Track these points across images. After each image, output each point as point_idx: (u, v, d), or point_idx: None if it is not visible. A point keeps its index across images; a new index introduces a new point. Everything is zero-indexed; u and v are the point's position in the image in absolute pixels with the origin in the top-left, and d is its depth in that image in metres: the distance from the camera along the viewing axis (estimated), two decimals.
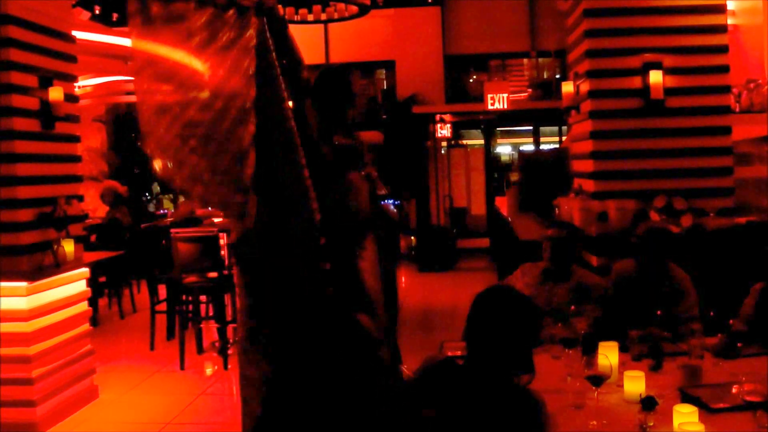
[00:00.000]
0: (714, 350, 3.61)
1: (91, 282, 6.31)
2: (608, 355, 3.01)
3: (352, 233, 3.55)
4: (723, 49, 6.22)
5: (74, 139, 5.94)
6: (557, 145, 14.46)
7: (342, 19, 9.35)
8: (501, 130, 16.05)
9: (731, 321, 3.93)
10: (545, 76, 14.78)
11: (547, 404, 2.48)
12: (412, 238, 13.29)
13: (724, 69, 6.23)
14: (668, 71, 6.11)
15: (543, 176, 9.97)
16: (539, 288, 4.47)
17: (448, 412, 2.43)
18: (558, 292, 4.45)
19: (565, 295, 4.43)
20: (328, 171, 3.52)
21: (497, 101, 12.80)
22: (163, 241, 7.75)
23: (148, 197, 15.44)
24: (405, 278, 11.70)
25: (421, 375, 2.57)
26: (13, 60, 5.17)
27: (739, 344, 3.59)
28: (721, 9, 6.27)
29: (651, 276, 4.39)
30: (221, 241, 7.51)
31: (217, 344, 7.35)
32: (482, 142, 15.13)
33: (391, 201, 12.90)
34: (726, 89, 6.32)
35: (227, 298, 7.42)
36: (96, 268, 7.60)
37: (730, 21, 6.58)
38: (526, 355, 2.51)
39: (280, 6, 8.52)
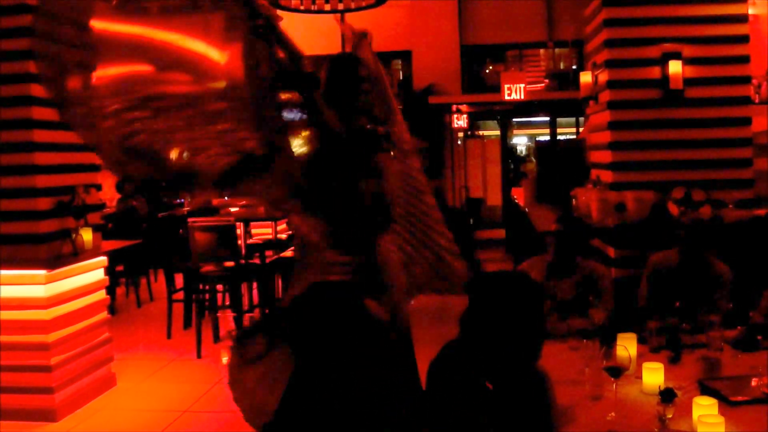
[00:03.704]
0: (733, 343, 3.59)
1: (109, 271, 6.34)
2: (627, 346, 2.99)
3: (381, 215, 3.54)
4: (743, 39, 6.16)
5: None
6: (574, 136, 14.39)
7: (358, 8, 9.32)
8: (518, 121, 16.00)
9: (751, 313, 3.90)
10: (562, 67, 14.70)
11: (556, 385, 2.47)
12: None
13: (744, 59, 6.17)
14: (687, 61, 6.06)
15: (560, 167, 9.94)
16: (545, 283, 4.46)
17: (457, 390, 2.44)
18: (563, 287, 4.45)
19: (571, 290, 4.42)
20: (351, 156, 3.50)
21: (514, 92, 12.74)
22: (180, 231, 7.78)
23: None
24: None
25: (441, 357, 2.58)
26: (31, 49, 5.19)
27: (758, 337, 3.57)
28: None
29: (692, 269, 4.36)
30: (238, 231, 7.53)
31: (233, 333, 7.36)
32: (499, 132, 15.09)
33: None
34: (746, 80, 6.26)
35: (244, 287, 7.44)
36: (114, 257, 7.64)
37: (750, 11, 6.50)
38: (530, 340, 2.48)
39: None
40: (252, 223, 9.07)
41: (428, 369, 2.60)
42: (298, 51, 3.55)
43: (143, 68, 3.07)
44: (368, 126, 3.74)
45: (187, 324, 7.71)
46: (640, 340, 3.47)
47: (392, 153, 3.76)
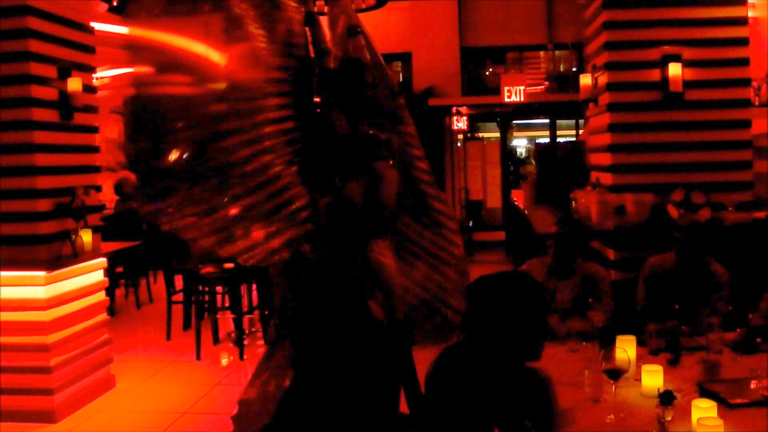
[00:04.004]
0: (733, 345, 3.59)
1: (109, 272, 6.34)
2: (626, 348, 2.99)
3: (378, 223, 3.53)
4: (743, 42, 6.16)
5: (92, 129, 5.97)
6: (574, 139, 14.39)
7: (359, 11, 9.33)
8: (517, 123, 15.98)
9: (750, 316, 3.90)
10: (562, 69, 14.69)
11: (556, 387, 2.46)
12: None
13: (744, 62, 6.17)
14: (687, 64, 6.07)
15: (559, 169, 9.94)
16: (545, 285, 4.45)
17: (459, 394, 2.43)
18: (563, 288, 4.44)
19: (570, 292, 4.42)
20: (352, 161, 3.51)
21: (514, 94, 12.75)
22: None
23: None
24: None
25: (438, 362, 2.57)
26: (32, 51, 5.20)
27: (758, 339, 3.57)
28: (741, 1, 6.21)
29: (689, 270, 4.37)
30: None
31: (232, 335, 7.38)
32: (498, 134, 15.07)
33: None
34: (746, 82, 6.26)
35: (243, 289, 7.44)
36: (113, 259, 7.63)
37: (750, 13, 6.51)
38: (531, 340, 2.48)
39: None
40: None
41: (427, 372, 2.60)
42: (327, 46, 3.57)
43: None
44: (370, 131, 3.74)
45: (186, 325, 7.71)
46: (640, 343, 3.47)
47: (391, 162, 3.76)
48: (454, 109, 13.80)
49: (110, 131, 13.22)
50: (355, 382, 1.86)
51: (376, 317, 1.86)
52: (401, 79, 14.74)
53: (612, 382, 2.91)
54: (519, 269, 4.82)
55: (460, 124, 13.87)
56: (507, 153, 14.96)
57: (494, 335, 2.42)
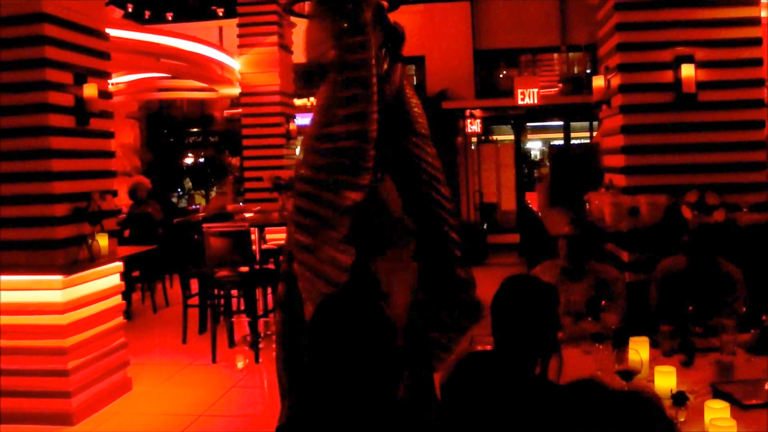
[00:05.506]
0: (746, 346, 3.58)
1: (125, 276, 6.39)
2: (639, 350, 2.99)
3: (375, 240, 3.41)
4: (756, 42, 6.14)
5: (108, 135, 6.03)
6: (588, 141, 14.37)
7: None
8: (531, 126, 15.97)
9: (764, 317, 3.89)
10: (576, 71, 14.68)
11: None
12: None
13: (758, 62, 6.14)
14: (700, 65, 6.05)
15: (573, 171, 9.94)
16: (557, 287, 4.44)
17: (474, 405, 2.42)
18: (575, 290, 4.44)
19: (583, 293, 4.41)
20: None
21: (527, 96, 12.76)
22: (195, 236, 7.83)
23: (180, 193, 15.58)
24: None
25: (455, 370, 2.57)
26: (48, 57, 5.26)
27: None
28: (754, 1, 6.18)
29: (701, 272, 4.35)
30: (252, 236, 7.57)
31: (248, 338, 7.41)
32: (512, 137, 15.07)
33: None
34: (759, 83, 6.23)
35: (258, 293, 7.48)
36: (129, 263, 7.69)
37: (763, 13, 6.48)
38: (552, 339, 2.48)
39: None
40: (266, 229, 9.12)
41: (442, 377, 2.60)
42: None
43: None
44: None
45: (202, 329, 7.76)
46: (653, 344, 3.46)
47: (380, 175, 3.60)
48: (467, 112, 13.82)
49: (125, 136, 13.37)
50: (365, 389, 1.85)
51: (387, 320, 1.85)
52: (415, 82, 14.77)
53: (625, 383, 2.92)
54: (532, 271, 4.82)
55: (473, 126, 13.90)
56: (521, 155, 14.95)
57: (516, 344, 2.43)
